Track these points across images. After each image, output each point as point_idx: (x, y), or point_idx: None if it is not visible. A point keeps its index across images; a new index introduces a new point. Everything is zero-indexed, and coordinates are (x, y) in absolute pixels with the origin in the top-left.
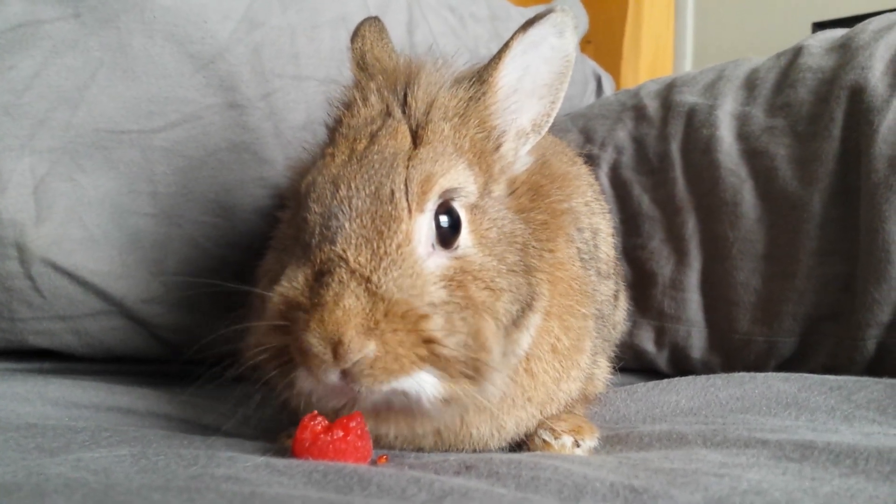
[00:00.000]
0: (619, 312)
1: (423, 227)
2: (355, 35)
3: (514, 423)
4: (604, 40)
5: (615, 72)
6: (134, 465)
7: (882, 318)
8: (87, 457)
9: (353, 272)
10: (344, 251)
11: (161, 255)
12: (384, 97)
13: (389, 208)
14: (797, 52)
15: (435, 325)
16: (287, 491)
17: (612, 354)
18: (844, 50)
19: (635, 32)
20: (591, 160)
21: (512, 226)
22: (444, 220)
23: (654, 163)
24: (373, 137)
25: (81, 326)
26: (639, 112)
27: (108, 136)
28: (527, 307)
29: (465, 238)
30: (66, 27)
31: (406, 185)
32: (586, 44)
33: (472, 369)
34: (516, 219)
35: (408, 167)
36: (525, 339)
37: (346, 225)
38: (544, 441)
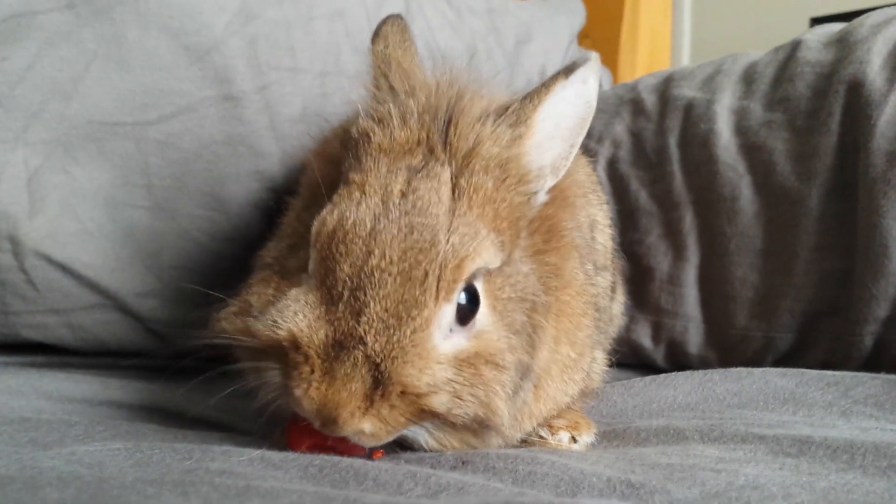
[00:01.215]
0: (616, 306)
1: (445, 315)
2: (376, 36)
3: (520, 436)
4: (601, 34)
5: (612, 66)
6: (128, 459)
7: (880, 313)
8: (81, 450)
9: (367, 357)
10: (365, 333)
11: (155, 249)
12: (425, 124)
13: (417, 293)
14: (795, 46)
15: (438, 402)
16: (282, 485)
17: (609, 348)
18: (842, 44)
19: (632, 27)
20: (589, 154)
21: (525, 282)
22: (463, 297)
23: (652, 157)
24: (411, 181)
25: (75, 320)
26: (636, 106)
27: (102, 129)
28: (525, 376)
29: (481, 311)
30: (61, 18)
31: (440, 270)
32: (583, 38)
33: (479, 424)
34: (529, 272)
35: (447, 241)
36: (521, 399)
37: (372, 305)
38: (541, 437)
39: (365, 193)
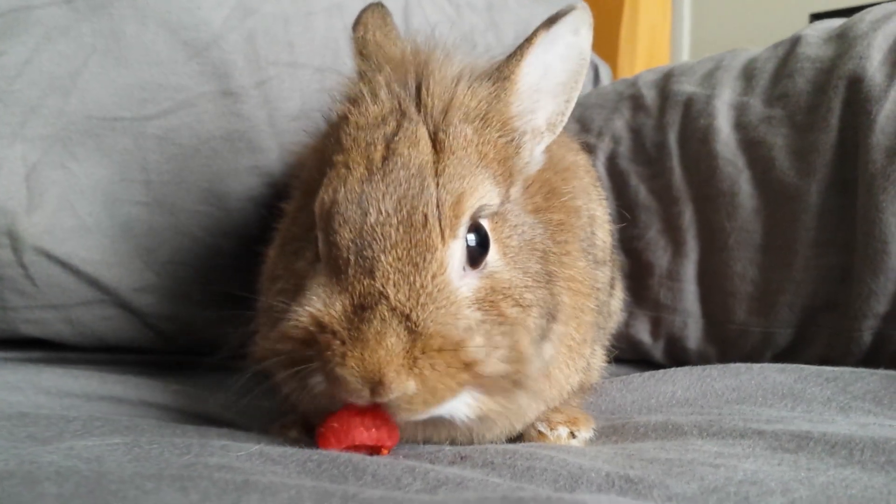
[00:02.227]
0: (615, 301)
1: (456, 253)
2: (357, 23)
3: (524, 423)
4: (601, 29)
5: (612, 62)
6: (127, 454)
7: (879, 308)
8: (80, 445)
9: (393, 309)
10: (384, 286)
11: (154, 244)
12: (395, 93)
13: (423, 236)
14: (795, 42)
15: (474, 349)
16: (281, 479)
17: (608, 344)
18: (842, 40)
19: (632, 22)
20: (589, 150)
21: (532, 232)
22: (472, 239)
23: (652, 153)
24: (389, 144)
25: (74, 315)
26: (636, 102)
27: (100, 124)
28: (551, 318)
29: (492, 254)
30: (58, 13)
31: (438, 210)
32: None
33: (511, 382)
34: (535, 223)
35: (437, 185)
36: (549, 350)
37: (382, 258)
38: (539, 432)
39: (349, 168)
